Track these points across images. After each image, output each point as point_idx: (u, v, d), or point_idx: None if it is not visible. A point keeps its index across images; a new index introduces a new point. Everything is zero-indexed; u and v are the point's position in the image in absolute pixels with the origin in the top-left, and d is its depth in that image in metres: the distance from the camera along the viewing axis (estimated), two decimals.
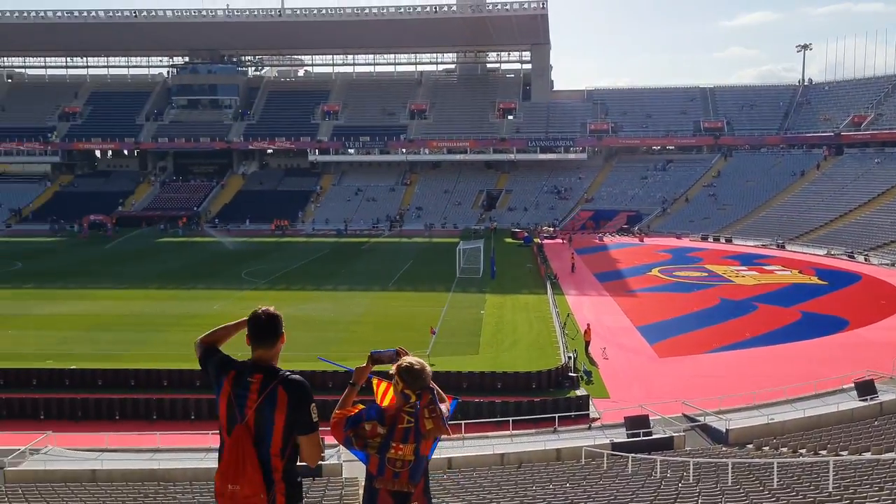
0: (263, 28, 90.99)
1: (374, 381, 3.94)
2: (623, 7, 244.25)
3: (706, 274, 48.77)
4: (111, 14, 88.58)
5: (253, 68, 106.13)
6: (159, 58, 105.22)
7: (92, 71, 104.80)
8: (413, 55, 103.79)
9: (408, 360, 3.75)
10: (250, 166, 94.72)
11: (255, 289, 43.28)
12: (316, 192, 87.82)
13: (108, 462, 19.22)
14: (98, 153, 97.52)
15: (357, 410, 3.71)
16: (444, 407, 3.83)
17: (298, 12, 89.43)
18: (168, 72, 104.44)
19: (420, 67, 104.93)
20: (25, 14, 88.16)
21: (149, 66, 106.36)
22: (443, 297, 40.99)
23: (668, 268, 51.13)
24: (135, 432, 21.26)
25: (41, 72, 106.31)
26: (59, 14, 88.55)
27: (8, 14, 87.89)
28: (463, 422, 20.27)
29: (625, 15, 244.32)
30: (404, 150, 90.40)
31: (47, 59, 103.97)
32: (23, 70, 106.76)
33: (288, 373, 3.59)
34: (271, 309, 3.67)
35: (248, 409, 3.50)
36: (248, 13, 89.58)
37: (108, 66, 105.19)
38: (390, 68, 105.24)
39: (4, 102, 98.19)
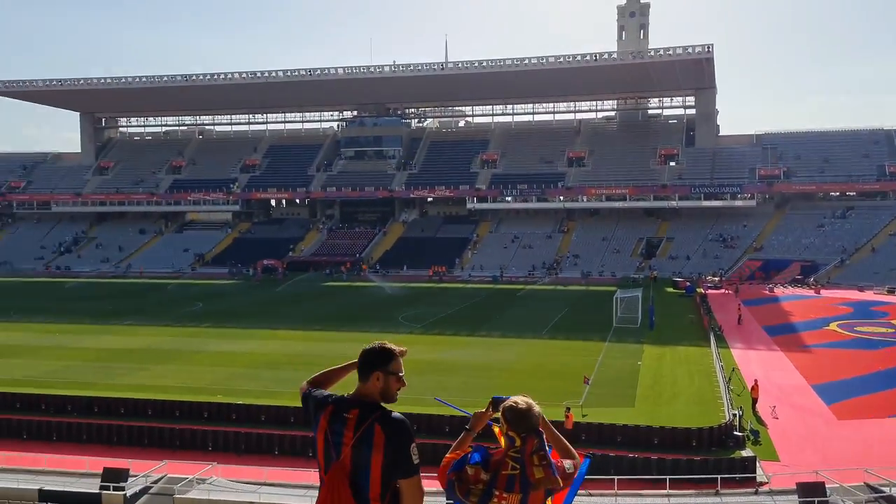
0: (427, 82, 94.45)
1: (496, 429, 3.70)
2: (795, 48, 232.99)
3: (893, 330, 44.42)
4: (289, 74, 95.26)
5: (416, 120, 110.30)
6: (330, 112, 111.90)
7: (271, 126, 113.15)
8: (572, 103, 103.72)
9: (514, 398, 3.50)
10: (411, 214, 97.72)
11: (410, 332, 44.07)
12: (473, 239, 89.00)
13: (266, 496, 19.91)
14: (273, 202, 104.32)
15: (463, 454, 3.48)
16: (571, 463, 3.49)
17: (460, 65, 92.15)
18: (338, 125, 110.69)
19: (579, 115, 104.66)
20: (216, 76, 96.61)
21: (321, 121, 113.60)
22: (598, 346, 39.87)
23: (849, 322, 47.09)
24: (292, 468, 21.94)
25: (227, 128, 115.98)
26: (244, 75, 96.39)
27: (200, 77, 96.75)
28: (616, 478, 19.35)
29: (796, 57, 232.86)
30: (562, 198, 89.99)
31: (232, 116, 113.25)
32: (212, 127, 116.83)
33: (387, 409, 3.39)
34: (377, 343, 3.52)
35: (343, 447, 3.32)
36: (412, 68, 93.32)
37: (284, 122, 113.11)
38: (549, 117, 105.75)
39: (195, 156, 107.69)
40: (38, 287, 72.17)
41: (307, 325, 47.10)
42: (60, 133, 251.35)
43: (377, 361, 3.44)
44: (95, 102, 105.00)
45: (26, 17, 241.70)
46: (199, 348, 40.14)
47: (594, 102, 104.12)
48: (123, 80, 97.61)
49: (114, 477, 20.72)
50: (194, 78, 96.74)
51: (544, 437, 3.43)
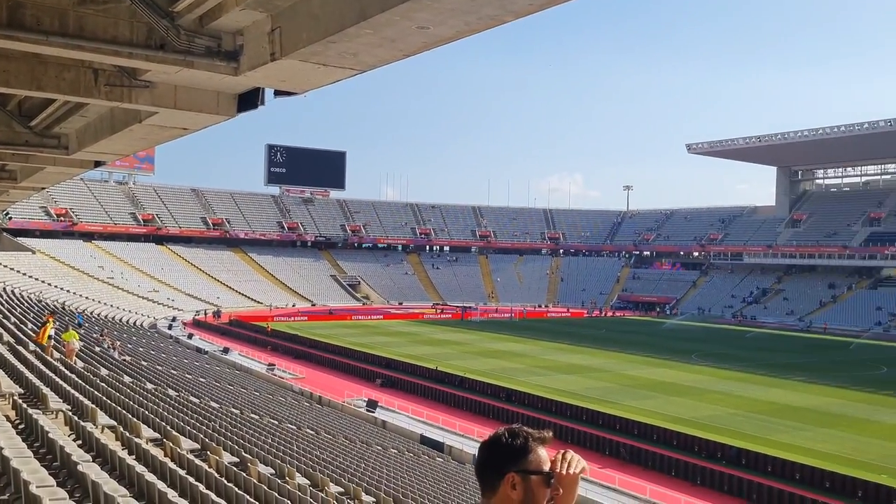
0: None
1: None
2: None
3: None
4: None
5: None
6: None
7: None
8: None
9: None
10: None
11: None
12: None
13: None
14: None
15: None
16: None
17: None
18: None
19: None
20: None
21: None
22: None
23: None
24: None
25: None
26: None
27: None
28: None
29: None
30: None
31: None
32: None
33: None
34: (503, 429, 2.23)
35: None
36: None
37: None
38: None
39: None
40: (723, 334, 75.48)
41: None
42: (759, 188, 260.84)
43: (506, 457, 2.17)
44: (792, 156, 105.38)
45: (726, 82, 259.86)
46: (871, 417, 36.03)
47: None
48: (821, 131, 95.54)
49: None
50: None
51: None
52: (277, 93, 10.70)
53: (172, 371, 31.54)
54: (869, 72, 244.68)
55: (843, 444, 30.58)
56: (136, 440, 12.24)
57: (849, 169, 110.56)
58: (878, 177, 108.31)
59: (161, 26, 8.41)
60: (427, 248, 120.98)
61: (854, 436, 32.26)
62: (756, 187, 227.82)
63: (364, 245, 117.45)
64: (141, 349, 37.57)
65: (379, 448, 24.24)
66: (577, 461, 2.16)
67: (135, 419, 14.22)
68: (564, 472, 2.13)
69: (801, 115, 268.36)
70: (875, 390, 43.33)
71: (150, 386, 23.17)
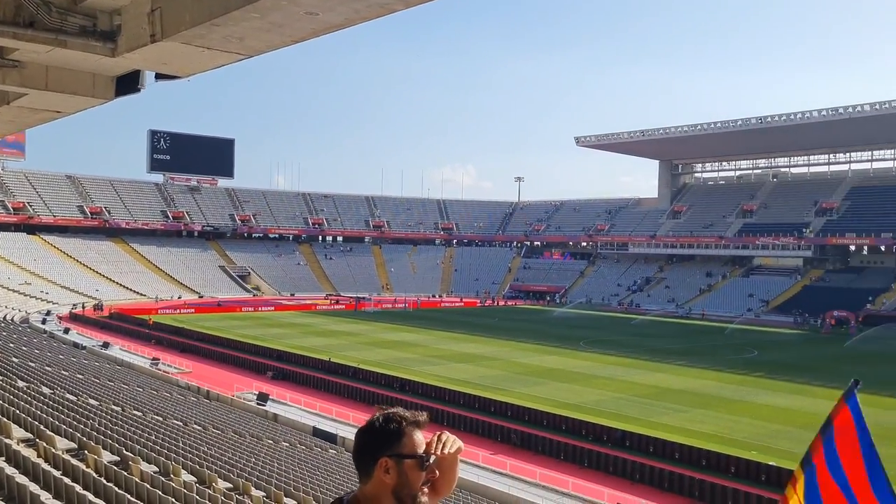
0: None
1: None
2: None
3: None
4: (878, 107, 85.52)
5: None
6: None
7: (854, 166, 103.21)
8: None
9: None
10: None
11: None
12: None
13: None
14: (852, 248, 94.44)
15: None
16: None
17: None
18: None
19: None
20: (792, 116, 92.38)
21: None
22: None
23: None
24: None
25: (803, 169, 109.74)
26: (823, 113, 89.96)
27: (776, 118, 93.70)
28: None
29: None
30: None
31: (810, 157, 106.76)
32: (787, 169, 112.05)
33: None
34: (379, 413, 2.17)
35: None
36: None
37: (871, 161, 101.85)
38: None
39: (767, 199, 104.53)
40: (610, 321, 78.41)
41: (878, 389, 40.82)
42: (643, 180, 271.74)
43: (380, 442, 2.14)
44: (673, 150, 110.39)
45: (613, 76, 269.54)
46: (743, 398, 38.27)
47: None
48: (699, 126, 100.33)
49: None
50: (769, 119, 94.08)
51: None
52: (159, 76, 10.23)
53: (46, 368, 29.86)
54: (744, 70, 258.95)
55: (719, 424, 32.35)
56: (6, 441, 11.51)
57: (724, 163, 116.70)
58: (751, 171, 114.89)
59: (31, 2, 7.87)
60: (320, 238, 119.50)
61: (728, 416, 34.20)
62: (640, 180, 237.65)
63: (254, 235, 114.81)
64: (11, 345, 35.35)
65: (270, 442, 23.80)
66: (452, 441, 2.14)
67: (4, 419, 13.37)
68: (439, 452, 2.12)
69: (685, 110, 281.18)
70: (747, 372, 46.08)
71: (21, 384, 21.86)
